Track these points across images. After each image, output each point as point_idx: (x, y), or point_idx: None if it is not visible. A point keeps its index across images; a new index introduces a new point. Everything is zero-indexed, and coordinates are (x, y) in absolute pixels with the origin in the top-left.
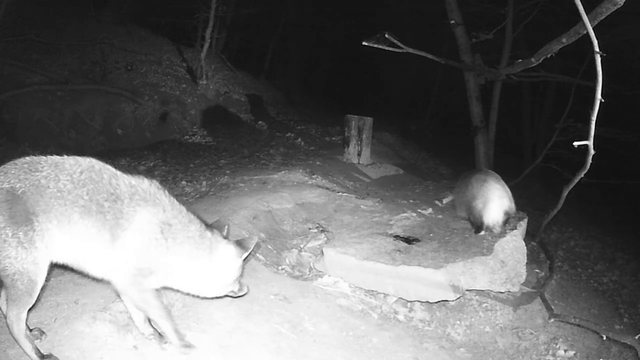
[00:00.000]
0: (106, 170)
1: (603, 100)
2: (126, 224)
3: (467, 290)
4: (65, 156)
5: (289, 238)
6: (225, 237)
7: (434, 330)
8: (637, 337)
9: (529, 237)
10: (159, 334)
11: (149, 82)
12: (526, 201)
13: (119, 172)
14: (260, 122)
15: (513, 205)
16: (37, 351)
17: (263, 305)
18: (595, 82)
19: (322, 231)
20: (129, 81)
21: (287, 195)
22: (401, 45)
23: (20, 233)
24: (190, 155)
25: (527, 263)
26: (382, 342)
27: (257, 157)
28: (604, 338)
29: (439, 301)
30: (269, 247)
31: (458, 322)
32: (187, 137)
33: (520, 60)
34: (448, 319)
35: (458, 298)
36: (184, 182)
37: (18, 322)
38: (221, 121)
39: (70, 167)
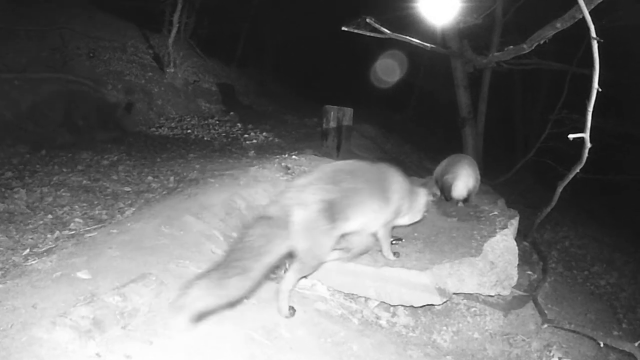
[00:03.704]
0: (371, 165)
1: (600, 90)
2: (389, 195)
3: (454, 293)
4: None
5: None
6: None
7: (419, 337)
8: (637, 344)
9: (520, 236)
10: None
11: (113, 70)
12: (518, 198)
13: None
14: (232, 112)
15: (477, 186)
16: None
17: (236, 309)
18: (592, 70)
19: None
20: (91, 69)
21: (260, 192)
22: (384, 31)
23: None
24: (157, 149)
25: (518, 264)
26: (363, 349)
27: (228, 150)
28: (602, 345)
29: (424, 305)
30: None
31: (444, 327)
32: (154, 129)
33: (511, 46)
34: (434, 325)
35: (444, 302)
36: (150, 178)
37: None
38: (190, 112)
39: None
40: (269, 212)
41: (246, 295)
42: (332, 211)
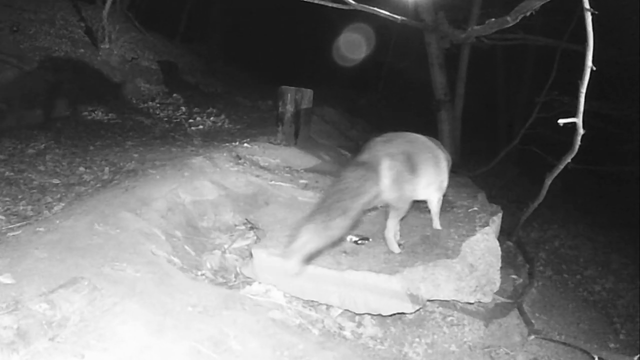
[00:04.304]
0: (422, 137)
1: (595, 68)
2: (440, 163)
3: (428, 300)
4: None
5: (211, 237)
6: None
7: (388, 349)
8: (635, 358)
9: (504, 235)
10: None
11: (40, 46)
12: (501, 192)
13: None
14: (175, 94)
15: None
16: None
17: (179, 318)
18: (585, 46)
19: (251, 228)
20: (15, 45)
21: (208, 185)
22: (347, 0)
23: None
24: (89, 136)
25: (501, 267)
26: None
27: (171, 137)
28: (596, 359)
29: (394, 314)
30: (186, 247)
31: (417, 339)
32: (86, 113)
33: (493, 19)
34: (405, 336)
35: (417, 310)
36: (81, 169)
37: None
38: (128, 93)
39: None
40: (362, 158)
41: (346, 235)
42: (411, 163)
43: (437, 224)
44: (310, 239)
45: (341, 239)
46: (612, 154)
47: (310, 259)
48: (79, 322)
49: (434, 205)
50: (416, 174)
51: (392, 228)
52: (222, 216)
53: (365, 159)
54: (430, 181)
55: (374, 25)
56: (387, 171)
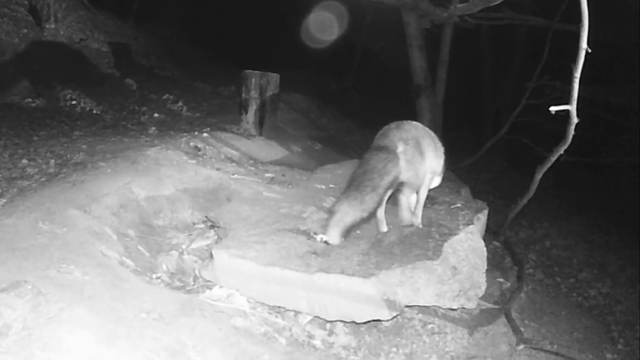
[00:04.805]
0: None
1: (590, 51)
2: (426, 154)
3: (406, 306)
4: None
5: (167, 236)
6: None
7: None
8: None
9: (490, 235)
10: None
11: None
12: (487, 186)
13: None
14: (128, 79)
15: None
16: None
17: (132, 326)
18: (579, 26)
19: (212, 227)
20: None
21: (164, 179)
22: None
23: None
24: (33, 125)
25: (487, 270)
26: None
27: (123, 126)
28: None
29: (368, 321)
30: (140, 248)
31: (394, 349)
32: (29, 99)
33: None
34: (381, 345)
35: (394, 317)
36: (24, 161)
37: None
38: (76, 78)
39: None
40: (382, 143)
41: (375, 210)
42: (420, 147)
43: (418, 219)
44: (347, 213)
45: (372, 215)
46: (609, 145)
47: (348, 232)
48: (22, 330)
49: (423, 193)
50: (424, 156)
51: (406, 201)
52: (179, 213)
53: (383, 144)
54: (433, 165)
55: (347, 2)
56: (402, 154)
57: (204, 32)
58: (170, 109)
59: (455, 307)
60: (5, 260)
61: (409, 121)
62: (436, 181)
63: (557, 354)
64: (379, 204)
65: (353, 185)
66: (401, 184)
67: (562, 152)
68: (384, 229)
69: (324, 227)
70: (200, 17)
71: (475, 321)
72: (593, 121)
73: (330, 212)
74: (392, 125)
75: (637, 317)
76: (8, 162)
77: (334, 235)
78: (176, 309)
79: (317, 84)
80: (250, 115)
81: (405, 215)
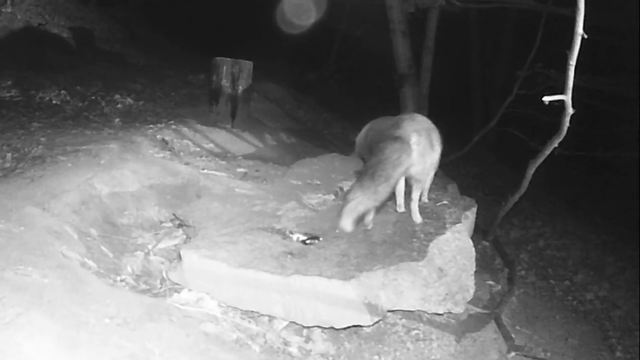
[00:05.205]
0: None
1: (586, 36)
2: (435, 147)
3: (389, 311)
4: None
5: (132, 235)
6: None
7: None
8: None
9: (479, 234)
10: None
11: None
12: (475, 182)
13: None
14: (90, 66)
15: None
16: None
17: (94, 332)
18: (574, 10)
19: (180, 225)
20: None
21: (129, 174)
22: None
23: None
24: None
25: (476, 272)
26: None
27: (85, 118)
28: None
29: (348, 327)
30: (103, 248)
31: (376, 356)
32: None
33: None
34: (362, 353)
35: (376, 322)
36: None
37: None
38: (34, 66)
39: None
40: (396, 133)
41: (386, 200)
42: (430, 139)
43: (416, 215)
44: (360, 201)
45: (383, 205)
46: (606, 138)
47: (359, 221)
48: None
49: (426, 187)
50: (433, 149)
51: (417, 194)
52: (145, 211)
53: (399, 134)
54: (436, 159)
55: None
56: (415, 145)
57: (171, 16)
58: (136, 99)
59: (441, 312)
60: None
61: (417, 114)
62: (430, 177)
63: None
64: (390, 194)
65: (367, 174)
66: (409, 177)
67: (556, 145)
68: (418, 220)
69: (338, 214)
70: (168, 1)
71: (463, 327)
72: (590, 112)
73: (345, 199)
74: (405, 115)
75: (636, 323)
76: None
77: (347, 223)
78: (142, 313)
79: (293, 72)
80: (222, 106)
81: (417, 215)
